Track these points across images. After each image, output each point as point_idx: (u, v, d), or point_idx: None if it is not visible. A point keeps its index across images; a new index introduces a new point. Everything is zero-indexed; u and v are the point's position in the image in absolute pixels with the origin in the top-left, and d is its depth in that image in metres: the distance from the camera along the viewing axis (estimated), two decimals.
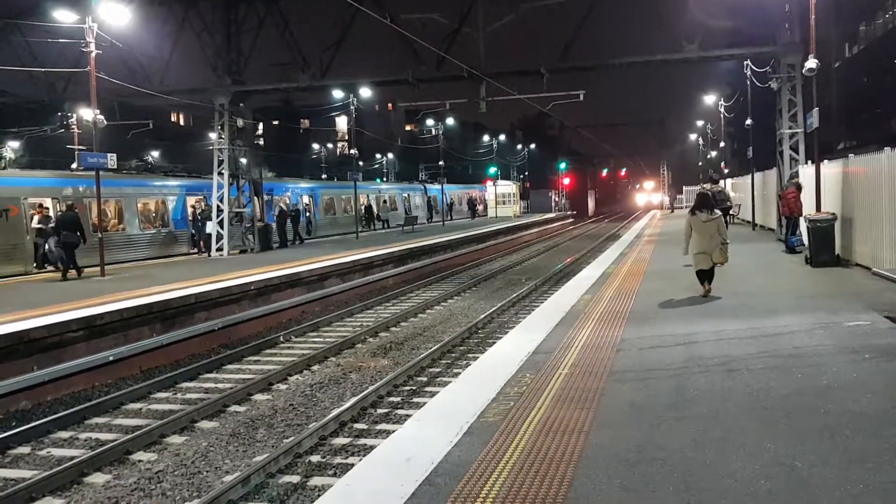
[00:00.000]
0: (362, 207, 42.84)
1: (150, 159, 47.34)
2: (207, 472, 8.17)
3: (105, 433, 9.75)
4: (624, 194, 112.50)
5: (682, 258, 13.66)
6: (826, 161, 17.99)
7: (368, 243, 31.04)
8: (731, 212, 31.47)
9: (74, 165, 22.66)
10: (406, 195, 54.52)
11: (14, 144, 45.72)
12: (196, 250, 27.67)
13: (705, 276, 12.28)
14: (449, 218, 58.91)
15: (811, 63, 16.65)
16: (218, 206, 27.09)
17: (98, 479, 8.04)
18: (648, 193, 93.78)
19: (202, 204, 28.51)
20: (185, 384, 12.10)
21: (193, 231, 28.09)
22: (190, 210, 28.48)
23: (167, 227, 28.05)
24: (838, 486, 4.52)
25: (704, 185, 18.11)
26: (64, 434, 9.74)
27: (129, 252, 25.15)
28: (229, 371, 12.95)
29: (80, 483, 7.93)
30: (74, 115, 34.51)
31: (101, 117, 20.35)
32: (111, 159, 19.89)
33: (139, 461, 8.56)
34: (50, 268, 22.12)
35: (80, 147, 28.46)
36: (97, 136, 20.42)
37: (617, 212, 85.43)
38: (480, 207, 67.05)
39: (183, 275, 19.36)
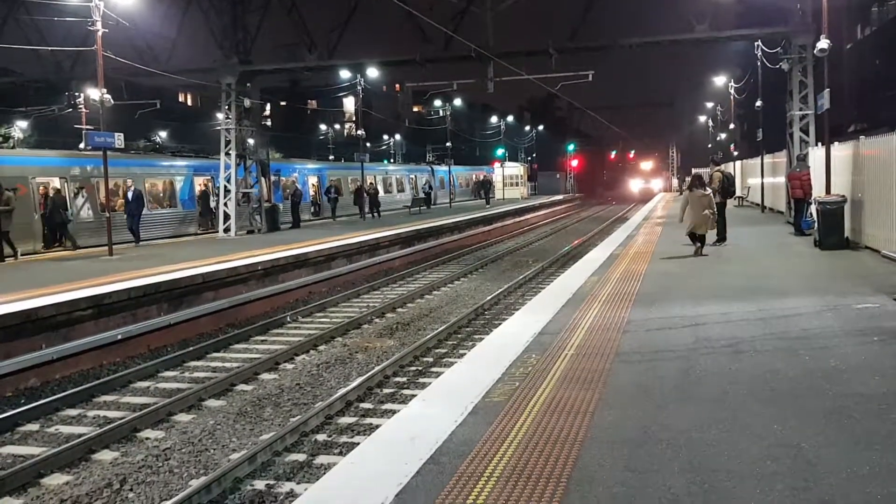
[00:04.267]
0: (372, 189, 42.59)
1: (158, 139, 47.40)
2: (214, 449, 8.21)
3: (113, 411, 9.81)
4: (632, 176, 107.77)
5: (688, 240, 15.73)
6: (836, 143, 17.84)
7: (375, 224, 31.06)
8: (739, 194, 31.43)
9: (82, 145, 22.64)
10: (413, 176, 54.36)
11: (22, 124, 45.82)
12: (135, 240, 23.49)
13: (696, 239, 15.40)
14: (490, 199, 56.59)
15: (823, 44, 16.45)
16: (225, 187, 27.13)
17: (106, 455, 8.09)
18: (646, 178, 76.54)
19: (131, 187, 24.35)
20: (192, 363, 12.15)
21: (127, 217, 23.90)
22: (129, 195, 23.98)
23: (175, 207, 28.11)
24: (844, 467, 4.50)
25: (717, 168, 18.17)
26: (72, 412, 9.80)
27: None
28: (236, 350, 12.99)
29: (89, 460, 7.98)
30: (82, 95, 34.45)
31: (108, 97, 20.32)
32: (118, 139, 19.88)
33: (147, 439, 8.61)
34: (58, 245, 22.25)
35: (88, 127, 28.39)
36: (104, 116, 20.42)
37: (624, 194, 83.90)
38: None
39: (191, 254, 19.39)
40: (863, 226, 15.48)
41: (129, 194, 23.99)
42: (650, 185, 73.94)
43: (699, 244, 15.40)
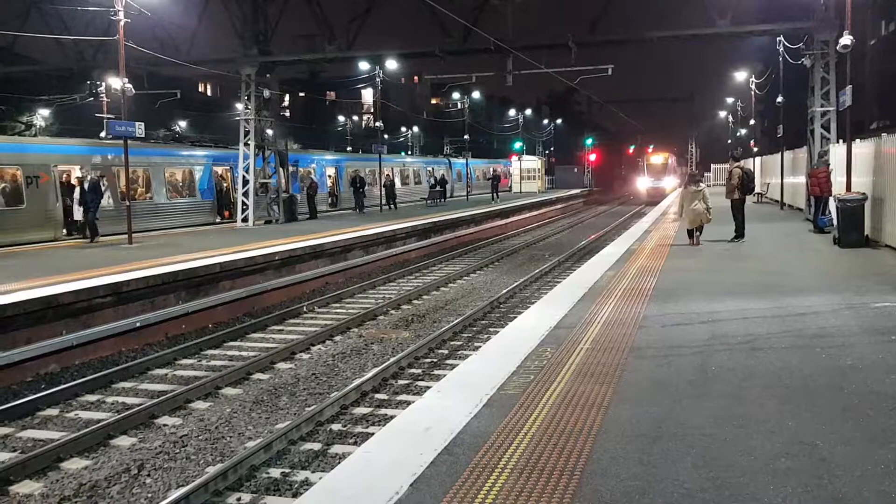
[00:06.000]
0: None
1: (178, 129, 47.67)
2: (231, 437, 8.29)
3: (131, 397, 9.93)
4: (640, 174, 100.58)
5: (706, 236, 16.63)
6: (858, 140, 17.67)
7: (392, 216, 31.14)
8: (758, 191, 31.28)
9: (103, 134, 22.83)
10: (430, 169, 54.38)
11: (44, 112, 46.26)
12: (83, 235, 21.62)
13: (692, 231, 16.65)
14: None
15: (846, 39, 16.29)
16: (244, 177, 27.27)
17: (124, 441, 8.20)
18: (656, 175, 59.71)
19: (88, 175, 21.90)
20: (209, 351, 12.25)
21: (80, 206, 21.57)
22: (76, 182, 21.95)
23: (194, 196, 28.29)
24: (859, 465, 4.50)
25: (736, 164, 18.24)
26: (91, 397, 9.93)
27: (157, 221, 25.41)
28: (253, 339, 13.09)
29: (107, 445, 8.09)
30: (103, 84, 34.79)
31: (130, 86, 20.48)
32: (139, 128, 20.03)
33: (164, 425, 8.71)
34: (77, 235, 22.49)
35: (109, 116, 28.65)
36: (125, 105, 20.58)
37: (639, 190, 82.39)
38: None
39: (209, 244, 19.53)
40: (883, 224, 15.34)
41: (85, 184, 21.13)
42: (661, 183, 59.01)
43: (697, 234, 16.68)
